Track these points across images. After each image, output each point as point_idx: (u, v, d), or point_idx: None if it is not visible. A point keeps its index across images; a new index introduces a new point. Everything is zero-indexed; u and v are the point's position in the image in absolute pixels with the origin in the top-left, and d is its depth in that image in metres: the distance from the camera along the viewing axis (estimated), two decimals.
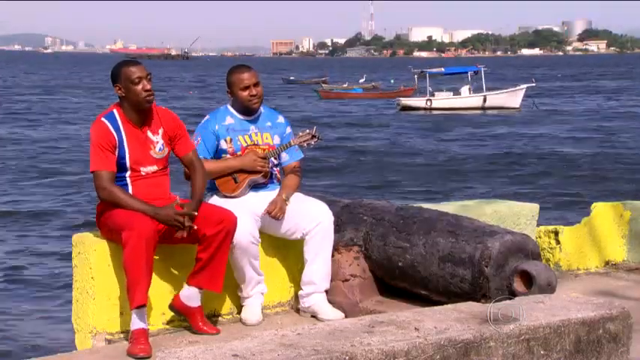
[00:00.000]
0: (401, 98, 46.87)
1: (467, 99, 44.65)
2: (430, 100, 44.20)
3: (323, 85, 68.09)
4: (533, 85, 46.33)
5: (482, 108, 44.02)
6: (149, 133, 4.81)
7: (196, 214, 4.70)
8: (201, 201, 4.82)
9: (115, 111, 4.80)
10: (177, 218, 4.65)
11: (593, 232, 6.80)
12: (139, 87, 4.73)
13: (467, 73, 45.47)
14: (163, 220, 4.64)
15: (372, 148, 28.09)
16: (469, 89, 45.06)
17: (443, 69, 46.95)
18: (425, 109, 43.71)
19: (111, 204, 4.69)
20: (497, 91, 45.71)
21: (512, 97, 45.07)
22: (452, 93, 45.98)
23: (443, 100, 44.86)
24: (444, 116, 40.58)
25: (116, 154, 4.72)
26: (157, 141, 4.83)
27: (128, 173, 4.77)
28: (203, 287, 4.83)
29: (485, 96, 44.43)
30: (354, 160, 24.99)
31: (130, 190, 4.75)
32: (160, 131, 4.85)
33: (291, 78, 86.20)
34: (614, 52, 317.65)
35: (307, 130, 5.42)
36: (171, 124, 4.88)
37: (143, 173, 4.79)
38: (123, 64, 4.83)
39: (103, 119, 4.76)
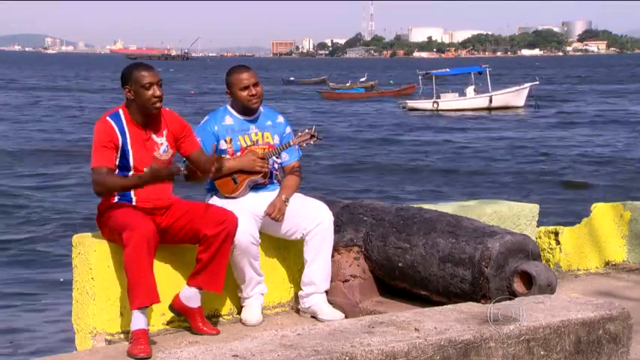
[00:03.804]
0: (407, 101, 47.06)
1: (473, 100, 44.82)
2: (437, 102, 44.30)
3: (330, 84, 67.97)
4: (537, 83, 46.47)
5: (488, 109, 44.18)
6: (153, 135, 4.82)
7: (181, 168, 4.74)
8: (197, 170, 4.84)
9: (120, 111, 4.80)
10: (167, 169, 4.66)
11: (593, 232, 6.80)
12: (149, 92, 4.73)
13: (472, 73, 45.58)
14: (162, 174, 4.62)
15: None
16: (474, 89, 45.17)
17: (449, 69, 46.92)
18: (432, 110, 43.82)
19: (108, 195, 4.69)
20: (502, 91, 45.82)
21: (516, 97, 45.35)
22: (457, 94, 46.12)
23: (450, 102, 44.97)
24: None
25: (118, 153, 4.72)
26: (162, 143, 4.84)
27: (131, 173, 4.77)
28: (203, 288, 4.83)
29: (490, 97, 44.58)
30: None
31: (132, 190, 4.75)
32: (165, 133, 4.85)
33: (291, 78, 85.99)
34: (614, 52, 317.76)
35: (306, 130, 5.43)
36: (175, 125, 4.89)
37: None
38: (135, 67, 4.82)
39: (107, 118, 4.77)
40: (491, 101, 44.63)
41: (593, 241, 6.80)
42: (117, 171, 4.73)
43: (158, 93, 4.76)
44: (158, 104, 4.77)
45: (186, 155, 4.94)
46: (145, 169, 4.66)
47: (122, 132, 4.74)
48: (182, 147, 4.91)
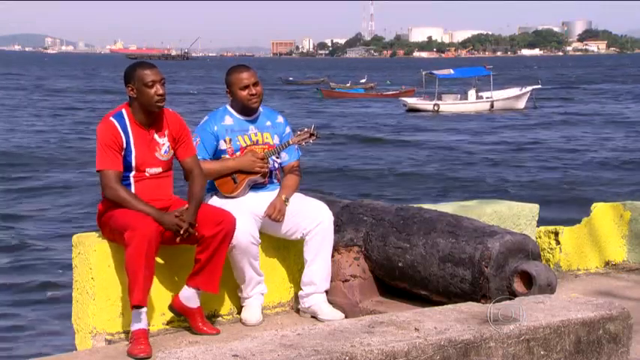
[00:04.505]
0: (407, 100, 47.02)
1: (474, 104, 44.82)
2: (438, 104, 44.26)
3: (331, 84, 67.85)
4: (539, 87, 46.50)
5: (489, 111, 44.27)
6: (155, 135, 4.82)
7: (193, 227, 4.73)
8: (199, 207, 4.82)
9: (123, 111, 4.80)
10: (180, 224, 4.68)
11: (593, 232, 6.80)
12: (152, 90, 4.73)
13: (476, 77, 45.52)
14: (166, 225, 4.66)
15: None
16: (476, 91, 45.14)
17: (452, 71, 46.79)
18: (432, 112, 43.82)
19: (115, 203, 4.69)
20: (504, 96, 45.79)
21: (517, 101, 45.44)
22: (459, 95, 46.09)
23: (450, 104, 44.93)
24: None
25: (122, 154, 4.72)
26: (163, 143, 4.83)
27: (132, 173, 4.77)
28: (200, 288, 4.83)
29: (492, 102, 44.58)
30: None
31: (133, 190, 4.75)
32: (166, 133, 4.85)
33: (290, 78, 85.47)
34: (614, 52, 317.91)
35: (305, 129, 5.42)
36: (176, 126, 4.89)
37: (147, 174, 4.79)
38: (138, 66, 4.83)
39: (111, 119, 4.76)
40: (492, 106, 44.67)
41: (593, 241, 6.80)
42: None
43: (161, 91, 4.76)
44: (161, 102, 4.77)
45: (180, 160, 4.94)
46: (161, 216, 4.67)
47: (125, 132, 4.74)
48: (178, 150, 4.91)
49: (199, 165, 4.98)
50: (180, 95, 57.65)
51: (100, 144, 4.72)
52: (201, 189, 4.91)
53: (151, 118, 4.80)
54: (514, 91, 46.71)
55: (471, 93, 45.28)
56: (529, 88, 46.57)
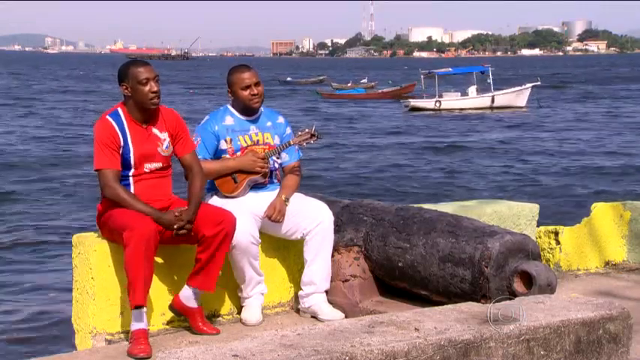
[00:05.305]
0: (410, 100, 47.21)
1: (475, 100, 45.05)
2: (439, 101, 44.52)
3: (332, 84, 67.61)
4: (538, 84, 46.66)
5: (490, 108, 44.37)
6: (155, 130, 4.81)
7: (191, 225, 4.73)
8: (199, 205, 4.81)
9: (119, 109, 4.80)
10: (178, 223, 4.68)
11: (593, 232, 6.80)
12: (146, 88, 4.73)
13: (474, 73, 45.76)
14: (165, 224, 4.66)
15: None
16: (476, 89, 45.36)
17: (451, 69, 47.10)
18: (434, 109, 43.97)
19: (114, 203, 4.69)
20: (505, 91, 46.03)
21: (518, 97, 45.60)
22: (459, 93, 46.34)
23: (452, 101, 45.16)
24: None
25: (120, 152, 4.72)
26: (164, 138, 4.84)
27: (132, 172, 4.77)
28: (199, 288, 4.83)
29: (493, 96, 44.79)
30: None
31: (132, 190, 4.75)
32: (165, 129, 4.85)
33: (288, 79, 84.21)
34: (614, 52, 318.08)
35: (306, 129, 5.42)
36: (173, 123, 4.88)
37: (147, 170, 4.78)
38: (131, 64, 4.82)
39: (107, 117, 4.76)
40: (493, 101, 44.87)
41: (593, 241, 6.80)
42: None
43: (155, 88, 4.75)
44: (155, 100, 4.76)
45: (179, 157, 4.93)
46: (160, 215, 4.67)
47: (122, 130, 4.73)
48: (177, 147, 4.91)
49: (199, 162, 4.98)
50: (178, 95, 57.53)
51: (98, 143, 4.71)
52: (201, 186, 4.90)
53: (147, 115, 4.80)
54: (514, 88, 46.97)
55: (472, 89, 45.53)
56: (529, 85, 46.79)
